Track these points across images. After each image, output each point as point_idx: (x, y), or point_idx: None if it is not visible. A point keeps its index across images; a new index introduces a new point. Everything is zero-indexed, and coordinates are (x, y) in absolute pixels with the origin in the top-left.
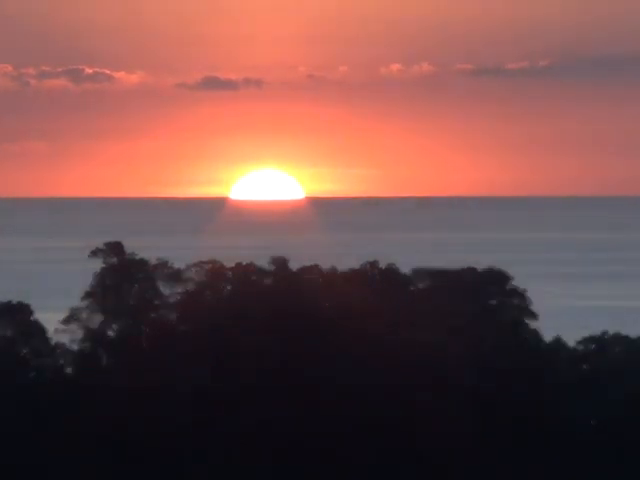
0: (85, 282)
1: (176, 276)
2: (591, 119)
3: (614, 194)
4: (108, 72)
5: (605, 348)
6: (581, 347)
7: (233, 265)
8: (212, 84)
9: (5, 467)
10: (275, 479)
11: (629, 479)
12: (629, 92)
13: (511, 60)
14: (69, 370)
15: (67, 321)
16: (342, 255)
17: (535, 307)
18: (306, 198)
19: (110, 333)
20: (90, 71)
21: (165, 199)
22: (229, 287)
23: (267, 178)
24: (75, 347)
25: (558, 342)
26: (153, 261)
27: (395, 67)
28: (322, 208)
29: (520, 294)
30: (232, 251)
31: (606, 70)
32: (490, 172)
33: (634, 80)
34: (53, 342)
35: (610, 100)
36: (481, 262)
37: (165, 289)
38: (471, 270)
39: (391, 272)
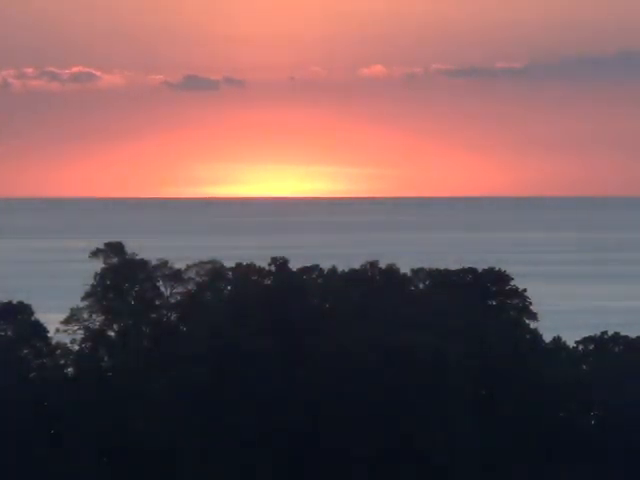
0: (85, 282)
1: (176, 276)
2: (577, 119)
3: (615, 194)
4: (88, 71)
5: (605, 348)
6: (581, 347)
7: (233, 265)
8: (193, 83)
9: (6, 466)
10: (275, 479)
11: (630, 478)
12: (614, 92)
13: (492, 61)
14: (69, 370)
15: (68, 321)
16: (339, 255)
17: (535, 307)
18: (290, 197)
19: (110, 333)
20: (72, 72)
21: (161, 199)
22: (229, 287)
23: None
24: (75, 347)
25: (558, 342)
26: (153, 261)
27: (376, 68)
28: (295, 208)
29: (520, 294)
30: (230, 251)
31: (587, 70)
32: (479, 172)
33: (617, 80)
34: (54, 342)
35: (596, 100)
36: (481, 262)
37: (165, 289)
38: (471, 270)
39: (391, 272)
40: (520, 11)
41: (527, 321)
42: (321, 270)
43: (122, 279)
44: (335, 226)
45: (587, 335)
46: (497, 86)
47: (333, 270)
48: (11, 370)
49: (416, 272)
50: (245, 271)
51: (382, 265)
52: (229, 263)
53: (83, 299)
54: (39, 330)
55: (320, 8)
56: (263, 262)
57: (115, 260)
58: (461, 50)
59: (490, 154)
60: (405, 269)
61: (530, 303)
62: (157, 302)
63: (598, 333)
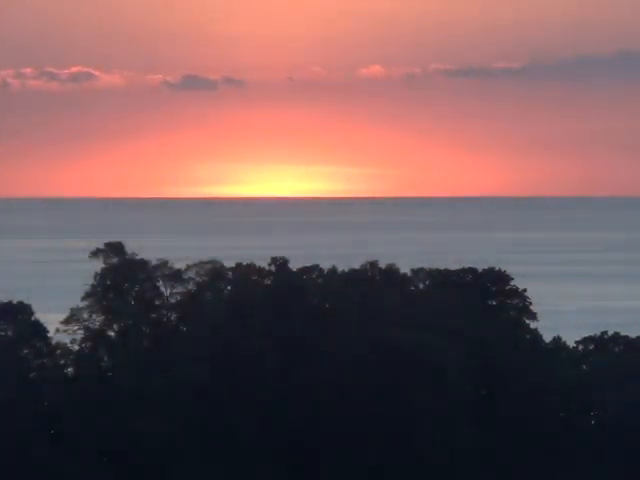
0: (85, 282)
1: (176, 276)
2: (573, 119)
3: (615, 194)
4: (87, 70)
5: (605, 348)
6: (581, 347)
7: (233, 265)
8: (192, 83)
9: (6, 466)
10: (275, 479)
11: (630, 478)
12: (613, 92)
13: (491, 61)
14: (69, 370)
15: (68, 321)
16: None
17: (535, 307)
18: (290, 197)
19: (110, 333)
20: (70, 72)
21: (161, 199)
22: (229, 287)
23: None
24: (75, 347)
25: (558, 342)
26: (153, 261)
27: (375, 68)
28: (295, 208)
29: (520, 294)
30: (230, 251)
31: (586, 70)
32: (479, 172)
33: (616, 80)
34: (54, 342)
35: (596, 100)
36: (481, 262)
37: (165, 289)
38: (471, 270)
39: (391, 272)
40: (519, 11)
41: (527, 321)
42: (321, 270)
43: (122, 279)
44: (335, 226)
45: (587, 335)
46: (496, 86)
47: (333, 270)
48: (11, 370)
49: (416, 272)
50: (245, 271)
51: (382, 265)
52: (229, 263)
53: (83, 299)
54: (39, 330)
55: (320, 8)
56: (263, 262)
57: (115, 260)
58: (460, 50)
59: (490, 154)
60: (405, 269)
61: (530, 303)
62: (157, 302)
63: (598, 333)
